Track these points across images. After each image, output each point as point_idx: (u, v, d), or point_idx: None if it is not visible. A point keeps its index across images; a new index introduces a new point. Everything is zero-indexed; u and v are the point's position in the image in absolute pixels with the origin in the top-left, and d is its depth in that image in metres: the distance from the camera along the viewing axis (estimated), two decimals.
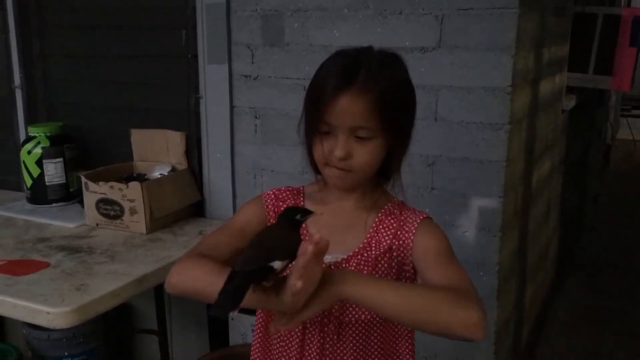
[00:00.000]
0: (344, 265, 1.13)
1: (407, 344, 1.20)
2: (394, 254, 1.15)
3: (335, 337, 1.15)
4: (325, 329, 1.15)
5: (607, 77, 3.11)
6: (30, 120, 2.68)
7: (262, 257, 0.95)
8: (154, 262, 1.91)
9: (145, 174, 2.37)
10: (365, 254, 1.14)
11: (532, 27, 2.01)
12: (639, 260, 4.13)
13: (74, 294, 1.67)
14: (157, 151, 2.40)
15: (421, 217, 1.17)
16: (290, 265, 0.96)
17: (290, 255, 0.95)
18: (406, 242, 1.14)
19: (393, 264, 1.15)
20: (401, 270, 1.15)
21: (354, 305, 1.14)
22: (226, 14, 2.18)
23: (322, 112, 1.07)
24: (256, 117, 2.22)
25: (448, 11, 1.86)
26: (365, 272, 1.13)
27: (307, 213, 1.04)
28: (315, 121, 1.10)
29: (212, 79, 2.26)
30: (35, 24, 2.67)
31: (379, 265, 1.14)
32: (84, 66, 2.61)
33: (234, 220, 1.21)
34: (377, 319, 1.15)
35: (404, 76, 1.12)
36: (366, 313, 1.14)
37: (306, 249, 0.88)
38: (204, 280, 1.03)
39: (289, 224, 1.02)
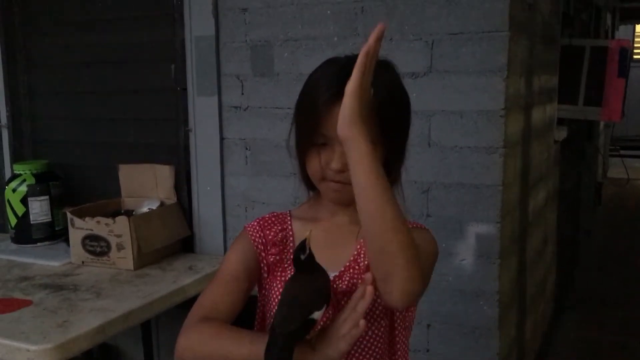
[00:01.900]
0: (337, 282, 1.07)
1: (404, 351, 1.15)
2: None
3: None
4: None
5: (597, 108, 3.11)
6: (16, 159, 2.63)
7: (301, 312, 0.92)
8: (141, 297, 1.83)
9: (133, 210, 2.31)
10: (357, 266, 1.09)
11: (521, 51, 2.01)
12: (636, 296, 4.07)
13: (56, 331, 1.59)
14: (146, 186, 2.35)
15: (414, 226, 1.11)
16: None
17: (326, 299, 0.95)
18: None
19: None
20: None
21: None
22: (215, 46, 2.17)
23: (316, 123, 1.03)
24: (246, 149, 2.18)
25: (438, 36, 1.85)
26: (358, 282, 1.07)
27: (302, 246, 0.96)
28: (309, 133, 1.05)
29: (201, 111, 2.23)
30: (22, 61, 2.65)
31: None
32: (72, 103, 2.58)
33: (225, 271, 1.15)
34: (377, 339, 1.09)
35: (399, 82, 1.09)
36: (365, 334, 1.07)
37: (365, 291, 0.91)
38: (221, 352, 1.01)
39: (306, 268, 0.97)
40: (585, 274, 4.39)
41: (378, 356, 1.10)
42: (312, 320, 0.92)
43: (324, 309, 0.94)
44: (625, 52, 3.05)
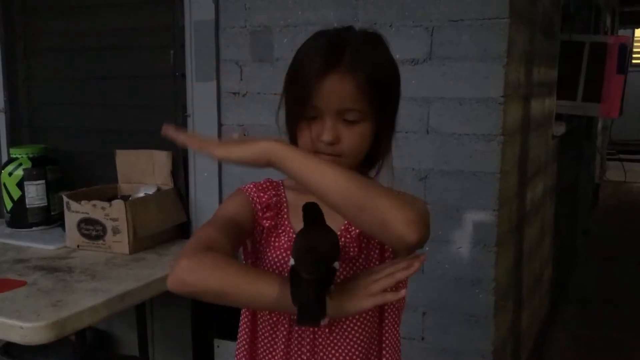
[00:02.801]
0: None
1: (394, 331, 1.14)
2: None
3: (327, 330, 1.08)
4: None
5: (596, 104, 3.11)
6: (13, 144, 2.62)
7: (325, 261, 0.92)
8: (137, 279, 1.82)
9: (129, 196, 2.30)
10: (348, 235, 1.08)
11: (521, 40, 2.00)
12: (634, 294, 4.07)
13: (50, 309, 1.59)
14: (143, 172, 2.34)
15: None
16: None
17: (339, 251, 0.96)
18: None
19: (376, 241, 1.09)
20: (385, 248, 1.09)
21: None
22: (215, 31, 2.16)
23: (307, 95, 1.02)
24: (244, 135, 2.17)
25: (438, 23, 1.85)
26: (351, 252, 1.07)
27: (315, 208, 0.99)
28: (299, 106, 1.04)
29: (200, 97, 2.22)
30: (21, 46, 2.64)
31: (363, 243, 1.08)
32: (70, 89, 2.58)
33: (223, 215, 1.11)
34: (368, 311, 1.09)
35: (389, 55, 1.08)
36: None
37: (411, 264, 0.93)
38: (229, 281, 0.95)
39: (318, 222, 0.98)
40: (582, 272, 4.39)
41: (367, 328, 1.09)
42: (334, 269, 0.93)
43: (339, 261, 0.95)
44: (625, 49, 3.05)
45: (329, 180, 0.92)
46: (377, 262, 1.08)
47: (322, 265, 0.91)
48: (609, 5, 5.78)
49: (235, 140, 0.96)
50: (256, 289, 0.94)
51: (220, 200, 2.24)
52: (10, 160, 2.39)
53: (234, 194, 1.16)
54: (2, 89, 2.65)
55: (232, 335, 2.21)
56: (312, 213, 0.98)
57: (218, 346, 2.26)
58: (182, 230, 2.29)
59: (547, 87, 2.75)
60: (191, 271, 0.95)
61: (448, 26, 1.84)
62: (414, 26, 1.88)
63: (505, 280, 2.04)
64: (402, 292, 0.93)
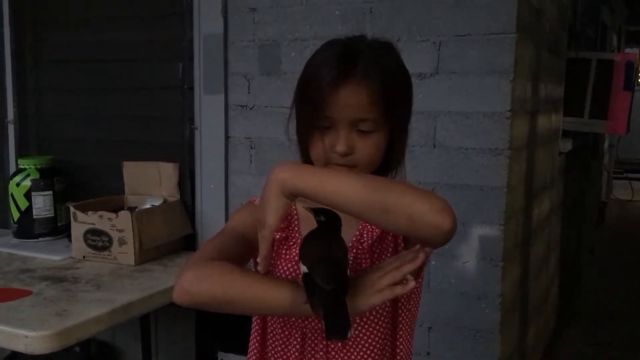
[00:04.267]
0: None
1: (407, 343, 1.13)
2: (389, 237, 1.08)
3: (339, 343, 1.07)
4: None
5: (603, 121, 3.11)
6: (21, 155, 2.64)
7: (341, 270, 0.91)
8: (142, 290, 1.82)
9: (136, 207, 2.30)
10: (360, 246, 1.08)
11: (528, 55, 2.01)
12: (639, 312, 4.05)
13: (55, 319, 1.59)
14: (149, 184, 2.35)
15: None
16: None
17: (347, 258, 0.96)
18: None
19: (388, 247, 1.09)
20: (396, 250, 1.09)
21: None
22: (223, 45, 2.18)
23: (322, 106, 1.01)
24: (251, 147, 2.18)
25: (445, 37, 1.86)
26: (363, 263, 1.07)
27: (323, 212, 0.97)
28: (313, 117, 1.03)
29: (207, 110, 2.24)
30: (31, 58, 2.67)
31: (375, 253, 1.08)
32: (79, 100, 2.60)
33: (231, 227, 1.11)
34: (381, 318, 1.08)
35: (401, 63, 1.08)
36: (369, 314, 1.07)
37: (417, 256, 0.91)
38: (235, 289, 0.94)
39: (325, 229, 0.95)
40: (588, 290, 4.36)
41: (379, 338, 1.08)
42: (347, 277, 0.92)
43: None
44: (632, 66, 3.05)
45: (345, 191, 0.90)
46: None
47: (342, 275, 0.90)
48: (615, 24, 5.80)
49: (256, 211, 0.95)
50: (267, 294, 0.93)
51: (227, 212, 2.24)
52: (19, 171, 2.40)
53: (244, 206, 1.15)
54: (11, 100, 2.67)
55: (236, 349, 2.21)
56: (333, 220, 0.95)
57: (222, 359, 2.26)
58: (188, 242, 2.29)
59: (554, 104, 2.76)
60: (195, 282, 0.93)
61: (455, 41, 1.85)
62: (421, 41, 1.89)
63: (511, 295, 2.03)
64: (412, 284, 0.90)
